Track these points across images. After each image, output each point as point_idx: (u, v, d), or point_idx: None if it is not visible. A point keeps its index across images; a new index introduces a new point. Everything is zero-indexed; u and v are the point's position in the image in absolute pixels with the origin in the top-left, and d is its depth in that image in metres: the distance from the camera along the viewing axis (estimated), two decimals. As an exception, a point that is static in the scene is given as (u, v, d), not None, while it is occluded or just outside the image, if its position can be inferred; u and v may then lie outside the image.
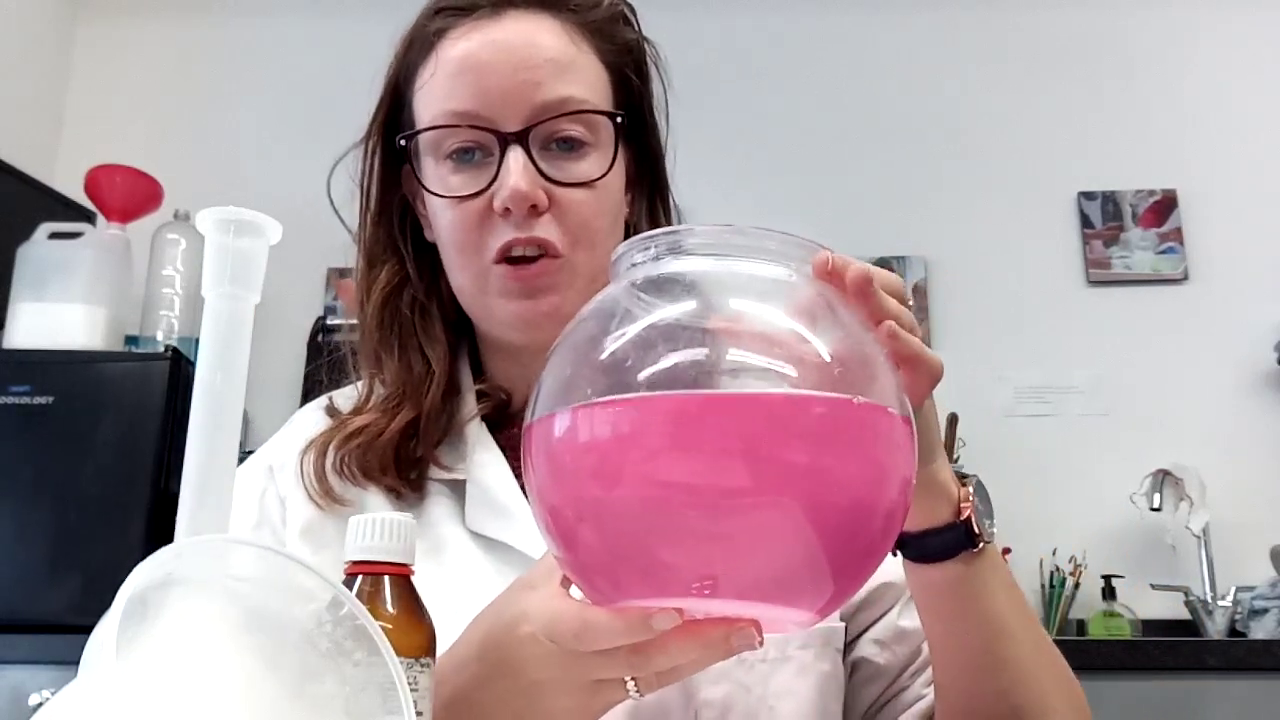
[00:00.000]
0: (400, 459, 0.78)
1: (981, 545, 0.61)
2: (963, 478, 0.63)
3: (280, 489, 0.81)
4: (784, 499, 0.45)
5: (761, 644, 0.48)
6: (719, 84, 2.73)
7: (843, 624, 0.79)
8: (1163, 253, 2.64)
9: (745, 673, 0.73)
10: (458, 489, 0.79)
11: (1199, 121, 2.71)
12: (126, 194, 2.34)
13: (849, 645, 0.79)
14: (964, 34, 2.81)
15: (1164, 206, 2.67)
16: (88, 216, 2.41)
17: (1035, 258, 2.65)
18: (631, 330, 0.48)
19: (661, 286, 0.50)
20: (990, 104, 2.74)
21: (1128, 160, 2.69)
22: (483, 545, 0.77)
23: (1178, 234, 2.64)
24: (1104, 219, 2.67)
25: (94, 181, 2.35)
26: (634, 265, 0.52)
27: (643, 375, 0.46)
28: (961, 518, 0.61)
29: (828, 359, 0.48)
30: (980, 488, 0.63)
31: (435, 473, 0.80)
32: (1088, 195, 2.69)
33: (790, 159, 2.73)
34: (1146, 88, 2.73)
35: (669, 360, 0.46)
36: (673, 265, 0.50)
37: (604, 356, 0.47)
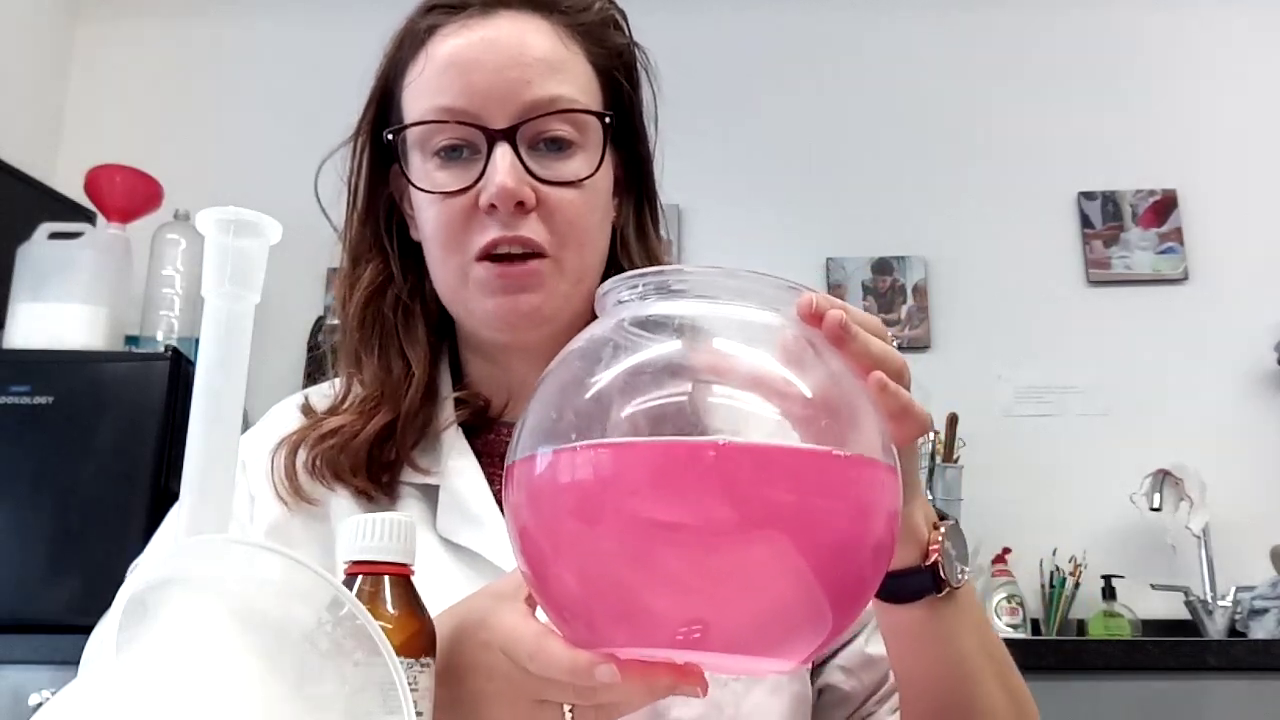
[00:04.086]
0: (373, 461, 0.77)
1: (947, 590, 0.61)
2: (942, 517, 0.63)
3: (251, 485, 0.80)
4: (765, 554, 0.44)
5: (705, 694, 0.50)
6: (719, 83, 2.73)
7: None
8: (1163, 253, 2.64)
9: (718, 691, 0.72)
10: (430, 494, 0.78)
11: (1199, 121, 2.71)
12: (126, 194, 2.34)
13: (815, 669, 0.79)
14: (964, 35, 2.81)
15: (1164, 206, 2.67)
16: (88, 216, 2.41)
17: (1035, 258, 2.65)
18: (618, 372, 0.47)
19: (650, 328, 0.49)
20: (990, 104, 2.74)
21: (1128, 160, 2.69)
22: (452, 552, 0.76)
23: (1178, 234, 2.64)
24: (1104, 219, 2.67)
25: (94, 181, 2.35)
26: (620, 303, 0.51)
27: (627, 419, 0.45)
28: (928, 563, 0.60)
29: (814, 405, 0.47)
30: (955, 531, 0.62)
31: (408, 476, 0.79)
32: (1088, 195, 2.69)
33: (790, 159, 2.73)
34: (1146, 88, 2.73)
35: (654, 405, 0.46)
36: (661, 306, 0.50)
37: (588, 397, 0.47)
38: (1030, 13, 2.80)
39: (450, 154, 0.76)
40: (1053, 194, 2.70)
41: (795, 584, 0.45)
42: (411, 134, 0.78)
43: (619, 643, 0.48)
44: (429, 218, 0.77)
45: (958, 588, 0.61)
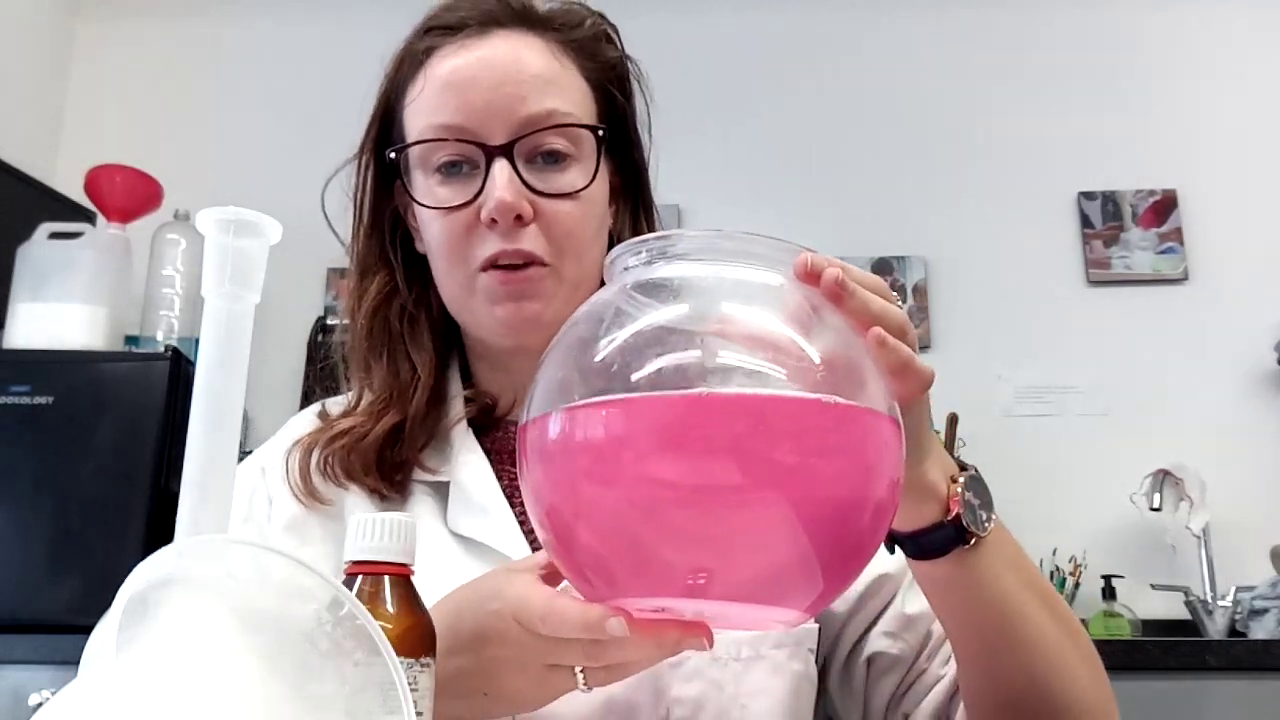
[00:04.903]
0: (383, 461, 0.80)
1: (974, 541, 0.61)
2: (963, 467, 0.63)
3: (270, 488, 0.83)
4: (769, 500, 0.45)
5: (711, 646, 0.51)
6: (719, 83, 2.73)
7: (816, 625, 0.80)
8: (1163, 253, 2.64)
9: (718, 671, 0.74)
10: (441, 490, 0.81)
11: (1199, 121, 2.71)
12: (126, 194, 2.34)
13: (858, 642, 0.80)
14: (964, 34, 2.81)
15: (1164, 206, 2.67)
16: (88, 216, 2.41)
17: (1035, 258, 2.65)
18: (623, 333, 0.49)
19: (653, 290, 0.51)
20: (990, 104, 2.74)
21: (1128, 160, 2.69)
22: (462, 545, 0.78)
23: (1178, 234, 2.64)
24: (1104, 219, 2.67)
25: (94, 181, 2.35)
26: (626, 269, 0.53)
27: (633, 377, 0.47)
28: (949, 517, 0.61)
29: (814, 361, 0.48)
30: (975, 481, 0.63)
31: (420, 475, 0.82)
32: (1088, 195, 2.69)
33: (790, 159, 2.73)
34: (1146, 88, 2.73)
35: (659, 362, 0.47)
36: (664, 269, 0.51)
37: (596, 358, 0.48)
38: (1030, 13, 2.80)
39: (450, 170, 0.79)
40: (1053, 194, 2.69)
41: (793, 532, 0.46)
42: (413, 152, 0.81)
43: (628, 593, 0.49)
44: (433, 232, 0.80)
45: (984, 536, 0.62)
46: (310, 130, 2.78)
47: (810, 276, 0.51)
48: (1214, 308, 2.57)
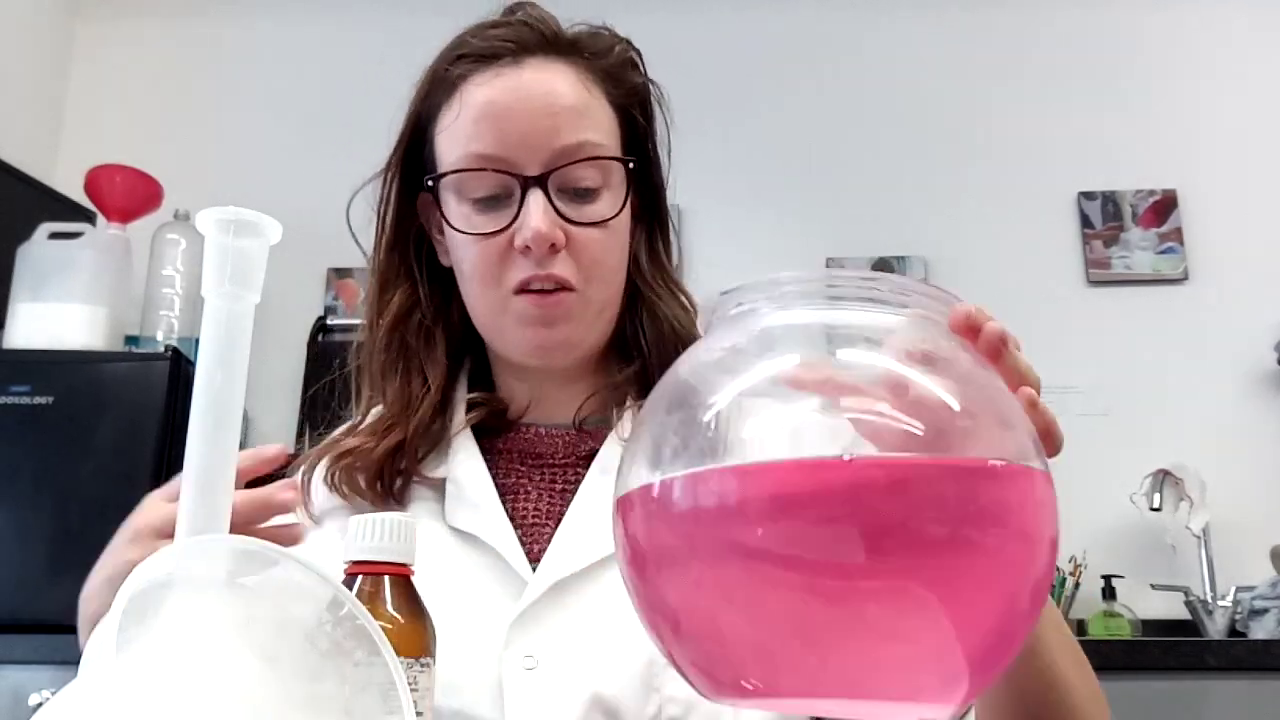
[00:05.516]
0: (384, 473, 0.83)
1: None
2: None
3: None
4: (912, 584, 0.38)
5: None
6: (719, 83, 2.73)
7: None
8: (1163, 253, 2.64)
9: None
10: (440, 488, 0.84)
11: (1199, 121, 2.71)
12: (126, 194, 2.34)
13: None
14: (964, 35, 2.81)
15: (1164, 206, 2.67)
16: (88, 216, 2.41)
17: (1035, 258, 2.65)
18: (738, 390, 0.43)
19: (770, 340, 0.45)
20: (991, 104, 2.74)
21: (1128, 160, 2.69)
22: (458, 538, 0.81)
23: (1178, 234, 2.64)
24: (1104, 219, 2.67)
25: (94, 181, 2.35)
26: (733, 316, 0.46)
27: (757, 441, 0.41)
28: None
29: (974, 419, 0.43)
30: None
31: (419, 478, 0.85)
32: (1088, 195, 2.69)
33: (790, 159, 2.73)
34: (1146, 87, 2.73)
35: (782, 421, 0.42)
36: (784, 316, 0.45)
37: (706, 418, 0.42)
38: (1030, 13, 2.80)
39: (488, 203, 0.82)
40: (1053, 194, 2.69)
41: (950, 620, 0.39)
42: (448, 177, 0.83)
43: (758, 692, 0.41)
44: (466, 256, 0.83)
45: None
46: (310, 130, 2.78)
47: (969, 331, 0.48)
48: (1214, 308, 2.57)
